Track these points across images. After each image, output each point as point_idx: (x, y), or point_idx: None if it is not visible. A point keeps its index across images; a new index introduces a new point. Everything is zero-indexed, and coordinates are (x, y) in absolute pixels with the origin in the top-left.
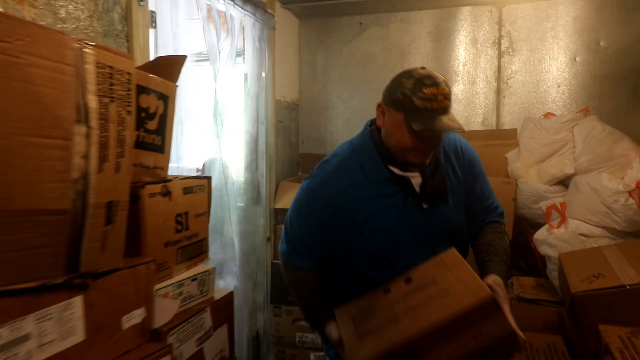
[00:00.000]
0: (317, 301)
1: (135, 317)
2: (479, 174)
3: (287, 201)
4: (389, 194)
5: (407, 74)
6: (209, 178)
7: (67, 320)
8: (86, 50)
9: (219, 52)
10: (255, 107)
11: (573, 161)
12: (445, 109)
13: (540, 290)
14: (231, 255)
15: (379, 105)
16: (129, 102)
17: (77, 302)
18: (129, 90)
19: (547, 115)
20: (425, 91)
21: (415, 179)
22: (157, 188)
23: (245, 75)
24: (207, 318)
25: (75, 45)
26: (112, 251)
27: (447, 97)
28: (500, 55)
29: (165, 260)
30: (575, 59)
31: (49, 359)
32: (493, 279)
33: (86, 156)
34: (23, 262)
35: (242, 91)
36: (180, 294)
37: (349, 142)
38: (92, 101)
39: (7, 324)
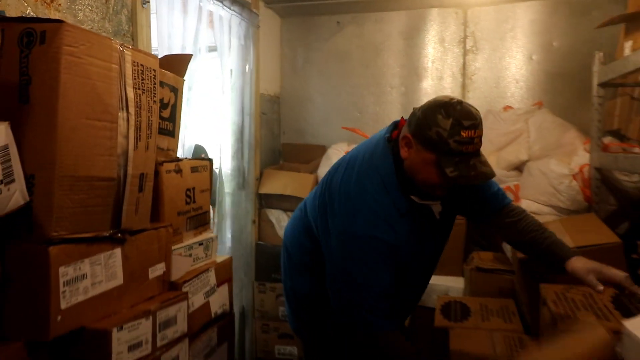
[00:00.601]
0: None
1: (158, 269)
2: None
3: (270, 187)
4: (412, 222)
5: (444, 111)
6: (210, 160)
7: (111, 266)
8: (126, 51)
9: (207, 49)
10: (241, 100)
11: (527, 149)
12: (481, 153)
13: (497, 262)
14: (222, 237)
15: (405, 137)
16: (154, 93)
17: (117, 252)
18: (154, 84)
19: (506, 108)
20: (464, 134)
21: (435, 207)
22: (172, 166)
23: (231, 70)
24: (211, 276)
25: (119, 47)
26: (142, 214)
27: (481, 137)
28: (465, 54)
29: (178, 227)
30: (531, 57)
31: (99, 295)
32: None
33: (126, 136)
34: (83, 216)
35: (229, 85)
36: (190, 255)
37: (374, 169)
38: (130, 92)
39: (71, 264)
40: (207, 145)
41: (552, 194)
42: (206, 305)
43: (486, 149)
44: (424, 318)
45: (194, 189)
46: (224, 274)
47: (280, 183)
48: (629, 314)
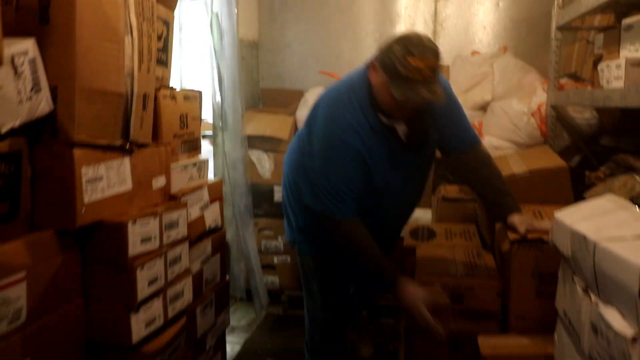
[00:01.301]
0: (374, 248)
1: (160, 181)
2: (455, 105)
3: (251, 128)
4: (382, 140)
5: (401, 39)
6: (200, 92)
7: (122, 172)
8: None
9: None
10: (225, 43)
11: (491, 90)
12: (429, 81)
13: (462, 193)
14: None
15: (372, 63)
16: (153, 22)
17: (127, 161)
18: (152, 14)
19: (474, 53)
20: (411, 61)
21: (401, 128)
22: (168, 92)
23: (216, 13)
24: (205, 194)
25: None
26: (146, 130)
27: (433, 69)
28: (436, 0)
29: (174, 148)
30: (498, 4)
31: (113, 196)
32: (518, 219)
33: (131, 58)
34: (98, 126)
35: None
36: (186, 173)
37: (351, 87)
38: (134, 19)
39: (91, 165)
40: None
41: (512, 130)
42: (201, 218)
43: (454, 91)
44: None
45: (187, 115)
46: (216, 192)
47: (261, 125)
48: None
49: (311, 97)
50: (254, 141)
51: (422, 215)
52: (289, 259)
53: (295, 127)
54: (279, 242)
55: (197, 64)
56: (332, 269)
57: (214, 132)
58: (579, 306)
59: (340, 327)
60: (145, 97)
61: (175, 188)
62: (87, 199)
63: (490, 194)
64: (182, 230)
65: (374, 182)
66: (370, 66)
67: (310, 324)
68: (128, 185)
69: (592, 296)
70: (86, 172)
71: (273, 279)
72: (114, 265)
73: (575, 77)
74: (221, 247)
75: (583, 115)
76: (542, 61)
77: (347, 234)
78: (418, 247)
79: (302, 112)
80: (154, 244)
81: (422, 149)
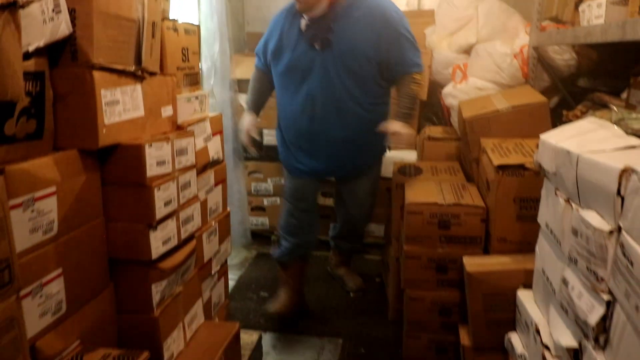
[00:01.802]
0: (256, 92)
1: (168, 110)
2: (397, 37)
3: (240, 72)
4: (296, 24)
5: None
6: (198, 26)
7: (135, 98)
8: None
9: None
10: None
11: (476, 33)
12: None
13: (445, 133)
14: None
15: None
16: None
17: (139, 88)
18: None
19: None
20: None
21: (304, 21)
22: (171, 24)
23: None
24: (207, 126)
25: None
26: (155, 58)
27: None
28: None
29: (178, 80)
30: None
31: (129, 120)
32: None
33: None
34: (114, 51)
35: None
36: (190, 106)
37: None
38: None
39: (109, 89)
40: None
41: (496, 71)
42: (205, 149)
43: (439, 34)
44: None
45: (187, 49)
46: (217, 126)
47: (249, 69)
48: None
49: None
50: (243, 85)
51: (407, 156)
52: (278, 200)
53: None
54: (269, 185)
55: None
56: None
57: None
58: (561, 215)
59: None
60: (154, 25)
61: (180, 119)
62: (107, 120)
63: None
64: (190, 158)
65: (285, 59)
66: None
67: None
68: (141, 111)
69: (574, 205)
70: (105, 95)
71: (263, 220)
72: (133, 185)
73: (557, 20)
74: (222, 178)
75: (562, 57)
76: (526, 4)
77: (252, 76)
78: (406, 182)
79: None
80: (167, 168)
81: (327, 50)
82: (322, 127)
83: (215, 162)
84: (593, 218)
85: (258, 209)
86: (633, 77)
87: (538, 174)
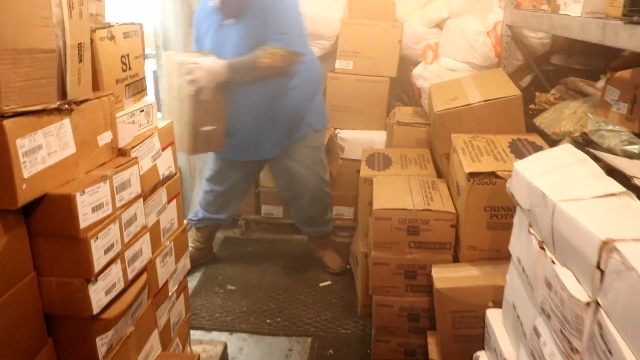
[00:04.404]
0: None
1: (106, 137)
2: (270, 9)
3: None
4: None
5: None
6: (140, 24)
7: (63, 136)
8: None
9: None
10: None
11: (448, 6)
12: None
13: (416, 116)
14: None
15: None
16: None
17: (67, 123)
18: None
19: None
20: None
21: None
22: (105, 33)
23: None
24: (156, 141)
25: None
26: (85, 84)
27: None
28: None
29: (118, 95)
30: None
31: (57, 163)
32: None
33: (60, 5)
34: (30, 90)
35: None
36: (133, 122)
37: None
38: None
39: (27, 136)
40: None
41: (468, 50)
42: (154, 168)
43: (409, 6)
44: (351, 167)
45: (128, 55)
46: (167, 137)
47: None
48: (522, 156)
49: None
50: None
51: (377, 138)
52: None
53: None
54: None
55: None
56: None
57: (157, 53)
58: (535, 259)
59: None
60: (80, 47)
61: (123, 140)
62: (26, 173)
63: None
64: (135, 188)
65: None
66: None
67: None
68: (71, 148)
69: (548, 252)
70: (22, 144)
71: None
72: (65, 239)
73: None
74: (176, 192)
75: (537, 35)
76: None
77: None
78: (375, 177)
79: None
80: (106, 210)
81: (237, 23)
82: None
83: (167, 178)
84: (569, 281)
85: None
86: (610, 71)
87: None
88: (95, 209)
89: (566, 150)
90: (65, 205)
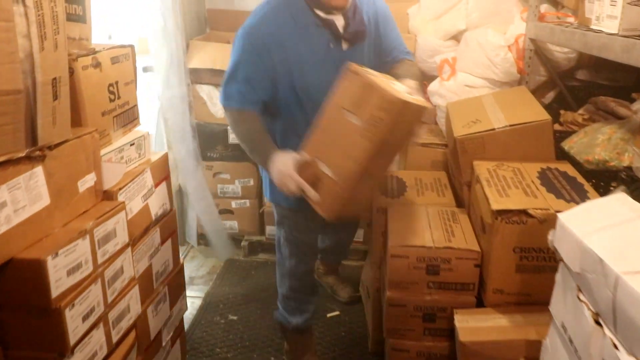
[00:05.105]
0: (261, 134)
1: (88, 180)
2: (390, 19)
3: (198, 60)
4: (315, 36)
5: None
6: (132, 46)
7: (33, 187)
8: None
9: None
10: None
11: (465, 17)
12: None
13: (431, 135)
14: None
15: None
16: None
17: (39, 171)
18: None
19: None
20: None
21: (339, 21)
22: (88, 60)
23: None
24: (148, 178)
25: None
26: (62, 124)
27: None
28: None
29: (104, 129)
30: None
31: (26, 220)
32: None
33: (28, 36)
34: None
35: None
36: (122, 158)
37: None
38: None
39: None
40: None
41: (488, 66)
42: (145, 209)
43: (423, 17)
44: None
45: (117, 82)
46: (161, 172)
47: (209, 56)
48: (554, 190)
49: None
50: (202, 75)
51: None
52: (247, 203)
53: None
54: (236, 186)
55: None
56: (296, 219)
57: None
58: (588, 335)
59: (307, 278)
60: (55, 82)
61: (109, 181)
62: None
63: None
64: (121, 239)
65: (302, 83)
66: None
67: (280, 274)
68: (44, 200)
69: (607, 331)
70: None
71: (232, 224)
72: (34, 309)
73: (554, 2)
74: (172, 230)
75: (562, 49)
76: None
77: (235, 123)
78: (389, 206)
79: None
80: (86, 269)
81: (359, 45)
82: None
83: (162, 216)
84: None
85: (226, 212)
86: None
87: (543, 222)
88: (71, 271)
89: (622, 203)
90: (34, 272)
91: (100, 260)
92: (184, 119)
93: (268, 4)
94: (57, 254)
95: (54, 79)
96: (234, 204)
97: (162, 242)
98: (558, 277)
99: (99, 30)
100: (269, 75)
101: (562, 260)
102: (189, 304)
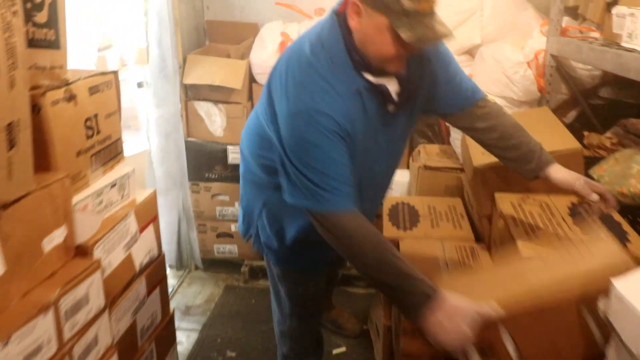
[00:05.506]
0: (394, 251)
1: (56, 237)
2: (447, 52)
3: (196, 76)
4: (366, 104)
5: None
6: (115, 72)
7: None
8: None
9: None
10: None
11: (480, 30)
12: (434, 12)
13: (444, 157)
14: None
15: (353, 4)
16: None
17: None
18: None
19: None
20: None
21: (392, 86)
22: (60, 93)
23: None
24: (131, 223)
25: None
26: (20, 176)
27: None
28: None
29: (79, 171)
30: None
31: None
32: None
33: None
34: None
35: None
36: (101, 202)
37: (318, 42)
38: None
39: None
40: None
41: (506, 84)
42: (128, 260)
43: None
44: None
45: (96, 116)
46: (149, 213)
47: (208, 71)
48: (588, 229)
49: (268, 35)
50: (200, 91)
51: (398, 178)
52: None
53: (250, 74)
54: (236, 209)
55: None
56: (304, 277)
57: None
58: None
59: (312, 337)
60: (11, 128)
61: (83, 234)
62: None
63: (514, 153)
64: (95, 303)
65: (357, 156)
66: (350, 9)
67: (280, 331)
68: None
69: None
70: None
71: (231, 248)
72: None
73: (574, 14)
74: (160, 277)
75: (586, 66)
76: None
77: (348, 234)
78: (401, 239)
79: (258, 55)
80: (48, 351)
81: (413, 107)
82: (368, 199)
83: (149, 264)
84: None
85: (225, 236)
86: None
87: None
88: (30, 356)
89: None
90: None
91: (67, 335)
92: (177, 137)
93: (315, 71)
94: (8, 341)
95: (9, 124)
96: (233, 227)
97: (149, 292)
98: (611, 353)
99: (94, 39)
100: (343, 158)
101: (617, 335)
102: (184, 338)
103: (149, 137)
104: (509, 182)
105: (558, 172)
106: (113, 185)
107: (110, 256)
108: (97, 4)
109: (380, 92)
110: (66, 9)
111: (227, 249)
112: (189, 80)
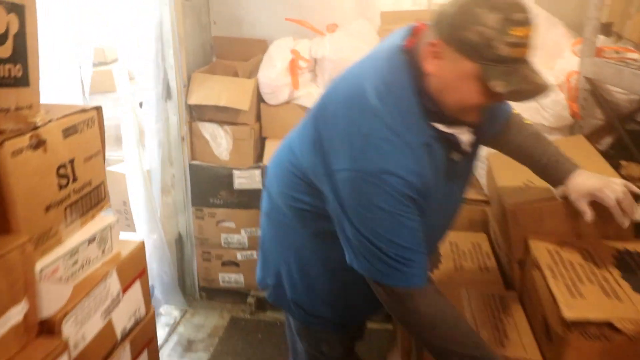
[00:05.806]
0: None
1: (13, 316)
2: None
3: (201, 96)
4: (436, 156)
5: (487, 2)
6: (98, 108)
7: None
8: None
9: None
10: None
11: None
12: (528, 58)
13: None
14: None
15: (432, 44)
16: None
17: None
18: None
19: None
20: (516, 33)
21: (464, 135)
22: (24, 141)
23: None
24: (113, 283)
25: None
26: None
27: (533, 37)
28: None
29: (49, 228)
30: None
31: None
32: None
33: None
34: None
35: None
36: (76, 262)
37: (382, 82)
38: None
39: None
40: (115, 49)
41: (536, 109)
42: (108, 327)
43: None
44: None
45: (72, 161)
46: (135, 267)
47: (214, 91)
48: (638, 284)
49: (277, 52)
50: (205, 112)
51: None
52: (254, 254)
53: (258, 93)
54: (242, 236)
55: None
56: (332, 339)
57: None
58: None
59: None
60: None
61: (50, 306)
62: None
63: (539, 165)
64: None
65: (425, 214)
66: (427, 50)
67: None
68: None
69: None
70: None
71: (237, 277)
72: None
73: (607, 31)
74: (149, 338)
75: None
76: (568, 11)
77: (422, 314)
78: None
79: (266, 74)
80: None
81: (476, 150)
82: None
83: (134, 326)
84: None
85: (231, 264)
86: None
87: (636, 340)
88: None
89: None
90: None
91: None
92: (180, 161)
93: (382, 122)
94: None
95: None
96: (239, 256)
97: (135, 358)
98: None
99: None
100: (418, 223)
101: None
102: None
103: (150, 160)
104: (544, 224)
105: (578, 180)
106: (92, 240)
107: (84, 328)
108: (95, 14)
109: (448, 141)
110: (40, 37)
111: (233, 279)
112: (193, 100)
